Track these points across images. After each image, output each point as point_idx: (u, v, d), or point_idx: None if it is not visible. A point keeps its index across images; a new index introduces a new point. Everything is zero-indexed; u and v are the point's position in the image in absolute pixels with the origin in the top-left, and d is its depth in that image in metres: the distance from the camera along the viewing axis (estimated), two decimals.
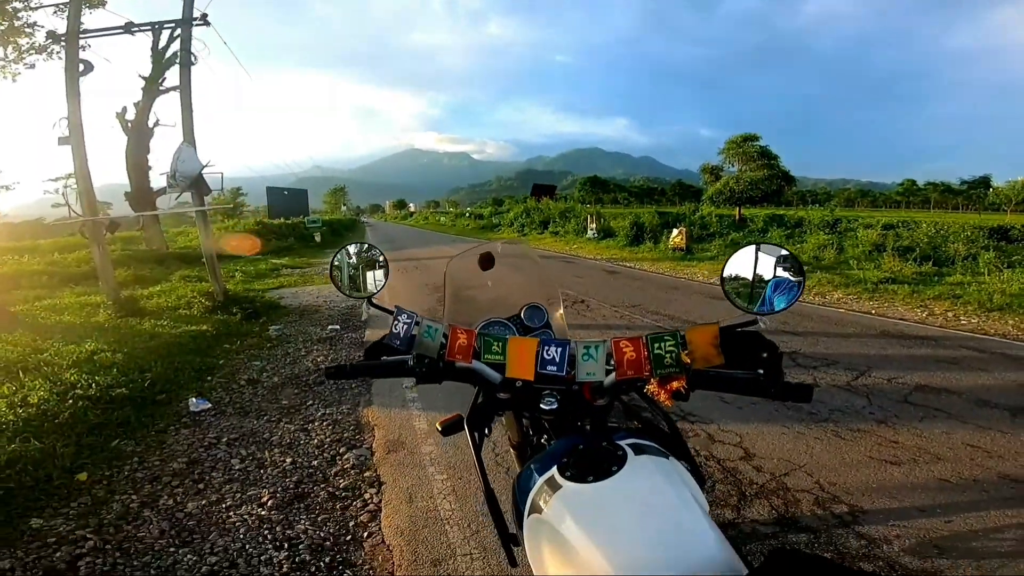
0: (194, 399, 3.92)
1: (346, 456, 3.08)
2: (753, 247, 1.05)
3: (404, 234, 32.55)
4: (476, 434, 1.12)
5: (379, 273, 1.26)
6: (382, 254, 1.27)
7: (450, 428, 1.22)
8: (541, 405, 1.01)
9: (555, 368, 1.00)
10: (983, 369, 4.26)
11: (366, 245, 1.30)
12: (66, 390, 3.72)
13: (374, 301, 1.18)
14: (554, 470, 0.86)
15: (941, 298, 7.44)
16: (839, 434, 3.16)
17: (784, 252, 1.02)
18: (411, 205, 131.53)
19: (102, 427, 3.37)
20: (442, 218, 59.44)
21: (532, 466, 0.92)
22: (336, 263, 1.24)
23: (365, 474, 2.88)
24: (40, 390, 3.68)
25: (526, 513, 0.86)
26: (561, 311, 1.49)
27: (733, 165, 25.47)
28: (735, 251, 1.05)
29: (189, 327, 6.09)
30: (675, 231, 15.79)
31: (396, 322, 1.05)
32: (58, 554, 2.21)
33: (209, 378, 4.55)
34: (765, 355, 0.97)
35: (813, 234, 14.43)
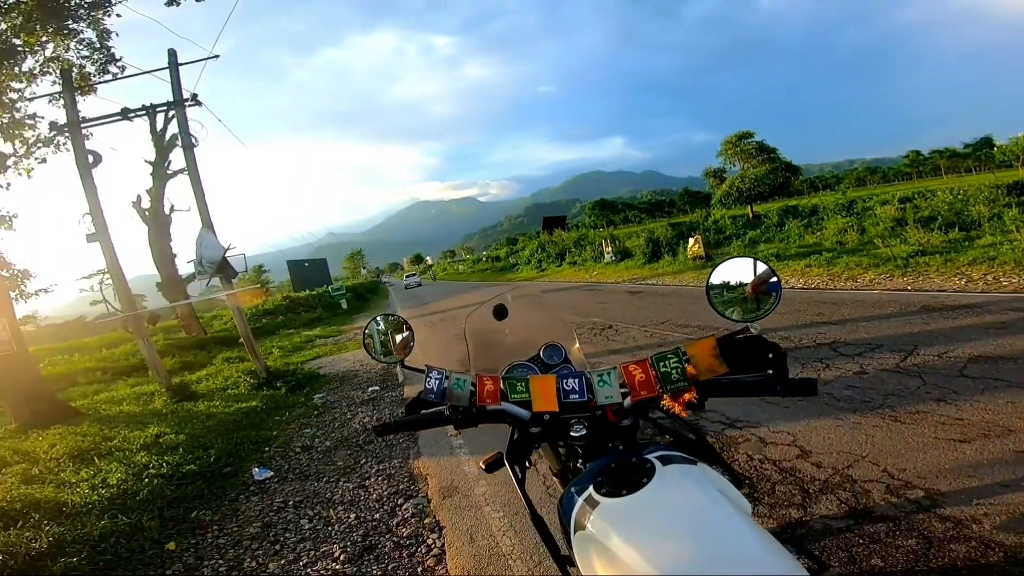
0: (256, 469, 4.09)
1: (405, 506, 3.18)
2: (730, 262, 1.14)
3: (425, 290, 33.15)
4: (516, 468, 1.21)
5: (407, 337, 1.42)
6: (406, 322, 1.45)
7: (492, 465, 1.34)
8: (571, 433, 1.12)
9: (577, 396, 1.11)
10: None
11: (391, 315, 1.47)
12: (140, 470, 3.94)
13: (406, 363, 1.34)
14: (591, 489, 0.93)
15: (977, 263, 7.24)
16: (898, 419, 3.01)
17: (759, 262, 1.12)
18: (428, 258, 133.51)
19: (179, 501, 3.56)
20: (460, 266, 60.54)
21: (572, 488, 0.98)
22: (368, 333, 1.41)
23: (425, 520, 2.96)
24: (117, 472, 3.91)
25: (572, 532, 0.93)
26: (577, 345, 1.60)
27: (735, 165, 25.38)
28: (714, 269, 1.15)
29: (240, 404, 6.39)
30: (691, 240, 15.68)
31: (428, 379, 1.18)
32: None
33: (267, 448, 4.73)
34: (771, 356, 1.02)
35: (831, 219, 14.15)
